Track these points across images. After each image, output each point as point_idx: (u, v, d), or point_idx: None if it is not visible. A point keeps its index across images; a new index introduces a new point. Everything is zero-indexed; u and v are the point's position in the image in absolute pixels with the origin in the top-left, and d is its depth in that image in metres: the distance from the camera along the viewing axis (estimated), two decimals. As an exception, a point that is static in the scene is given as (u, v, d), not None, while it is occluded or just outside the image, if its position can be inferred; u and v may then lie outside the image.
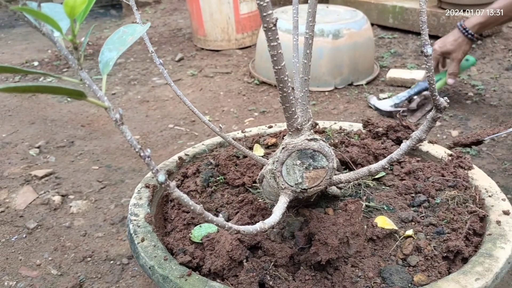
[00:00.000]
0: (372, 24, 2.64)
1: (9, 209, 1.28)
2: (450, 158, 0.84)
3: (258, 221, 0.69)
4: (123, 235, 1.18)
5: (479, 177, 0.77)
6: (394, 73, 2.00)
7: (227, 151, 0.96)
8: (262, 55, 2.14)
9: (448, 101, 0.50)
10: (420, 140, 0.54)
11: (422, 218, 0.70)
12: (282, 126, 1.08)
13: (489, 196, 0.71)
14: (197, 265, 0.64)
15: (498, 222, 0.65)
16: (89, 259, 1.09)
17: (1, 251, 1.11)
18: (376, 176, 0.84)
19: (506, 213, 0.66)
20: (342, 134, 1.01)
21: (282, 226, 0.70)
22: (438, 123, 1.66)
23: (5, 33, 3.65)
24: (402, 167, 0.85)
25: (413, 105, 1.75)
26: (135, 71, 2.48)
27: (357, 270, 0.59)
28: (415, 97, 1.75)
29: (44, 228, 1.20)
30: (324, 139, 0.55)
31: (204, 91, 2.14)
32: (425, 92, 1.75)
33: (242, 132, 1.06)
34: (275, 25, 0.43)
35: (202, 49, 2.70)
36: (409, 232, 0.66)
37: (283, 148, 0.54)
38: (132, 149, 1.68)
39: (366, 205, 0.74)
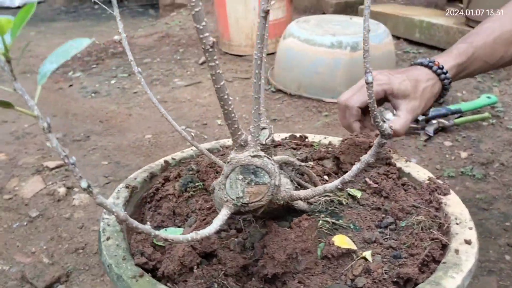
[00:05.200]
0: (399, 38, 2.60)
1: (16, 196, 1.35)
2: (428, 181, 0.83)
3: (217, 230, 0.71)
4: (117, 231, 1.22)
5: (453, 203, 0.76)
6: (412, 89, 1.96)
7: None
8: (281, 63, 2.16)
9: (392, 128, 0.50)
10: (369, 164, 0.54)
11: (385, 240, 0.70)
12: (279, 136, 1.09)
13: (457, 223, 0.70)
14: (153, 267, 0.66)
15: (457, 251, 0.63)
16: (81, 251, 1.14)
17: (2, 236, 1.17)
18: (353, 193, 0.84)
19: (467, 242, 0.65)
20: (329, 148, 1.01)
21: (246, 235, 0.71)
22: (449, 143, 1.62)
23: (46, 26, 3.83)
24: (381, 187, 0.84)
25: (430, 130, 1.69)
26: (159, 71, 2.55)
27: (302, 287, 0.59)
28: (433, 121, 1.71)
29: (45, 217, 1.27)
30: (269, 156, 0.56)
31: (221, 95, 2.17)
32: (443, 120, 1.70)
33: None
34: (211, 46, 0.45)
35: (226, 53, 2.75)
36: (366, 253, 0.66)
37: (228, 162, 0.55)
38: (143, 148, 1.74)
39: (333, 223, 0.75)
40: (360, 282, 0.60)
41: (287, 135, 1.07)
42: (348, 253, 0.67)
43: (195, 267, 0.63)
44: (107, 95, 2.26)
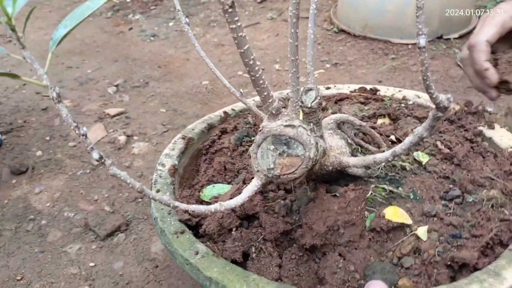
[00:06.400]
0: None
1: (80, 144, 1.41)
2: (511, 150, 0.73)
3: (265, 190, 0.68)
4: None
5: (535, 177, 0.67)
6: (493, 27, 1.74)
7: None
8: (344, 0, 1.99)
9: (452, 99, 0.42)
10: (422, 138, 0.47)
11: (447, 215, 0.63)
12: (341, 88, 1.00)
13: (536, 202, 0.62)
14: (196, 223, 0.65)
15: (529, 236, 0.56)
16: (139, 200, 1.18)
17: (67, 183, 1.24)
18: (419, 158, 0.76)
19: (543, 225, 0.57)
20: (402, 105, 0.92)
21: (294, 197, 0.68)
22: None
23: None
24: (453, 153, 0.75)
25: None
26: (217, 11, 2.47)
27: (341, 260, 0.56)
28: None
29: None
30: (304, 126, 0.51)
31: (280, 37, 2.08)
32: None
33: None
34: (231, 6, 0.39)
35: (287, -10, 2.59)
36: (420, 229, 0.60)
37: (260, 130, 0.51)
38: (200, 95, 1.73)
39: (391, 191, 0.69)
40: (407, 262, 0.55)
41: (357, 87, 0.98)
42: (402, 226, 0.62)
43: (234, 229, 0.61)
44: (165, 39, 2.25)
